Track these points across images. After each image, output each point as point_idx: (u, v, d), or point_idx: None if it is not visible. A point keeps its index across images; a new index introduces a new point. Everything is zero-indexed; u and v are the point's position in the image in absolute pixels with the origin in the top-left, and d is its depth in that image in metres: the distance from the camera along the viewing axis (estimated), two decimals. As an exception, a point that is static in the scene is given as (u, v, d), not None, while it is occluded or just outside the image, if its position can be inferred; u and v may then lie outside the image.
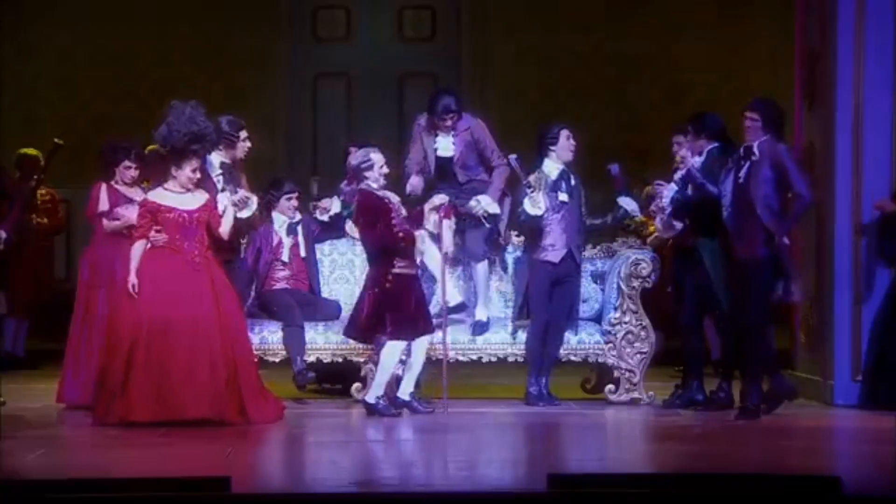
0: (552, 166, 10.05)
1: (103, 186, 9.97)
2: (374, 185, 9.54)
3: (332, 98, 14.91)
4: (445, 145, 10.10)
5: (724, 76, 14.35)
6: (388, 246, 9.47)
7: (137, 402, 8.93)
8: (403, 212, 9.55)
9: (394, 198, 9.59)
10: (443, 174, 10.07)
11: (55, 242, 12.68)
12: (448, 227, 9.69)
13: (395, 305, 9.48)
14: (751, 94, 13.79)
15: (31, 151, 11.20)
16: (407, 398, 9.61)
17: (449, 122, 10.03)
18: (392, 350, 9.53)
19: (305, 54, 14.91)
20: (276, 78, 14.79)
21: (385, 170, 9.58)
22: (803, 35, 10.66)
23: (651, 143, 10.42)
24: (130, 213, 9.73)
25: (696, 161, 9.68)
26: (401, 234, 9.45)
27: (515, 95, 14.72)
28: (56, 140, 10.58)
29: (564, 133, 10.11)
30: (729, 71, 14.39)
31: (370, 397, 9.57)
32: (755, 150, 9.36)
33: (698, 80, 14.44)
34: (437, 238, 9.74)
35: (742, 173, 9.37)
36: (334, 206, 10.51)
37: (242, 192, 9.63)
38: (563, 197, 9.99)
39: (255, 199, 9.78)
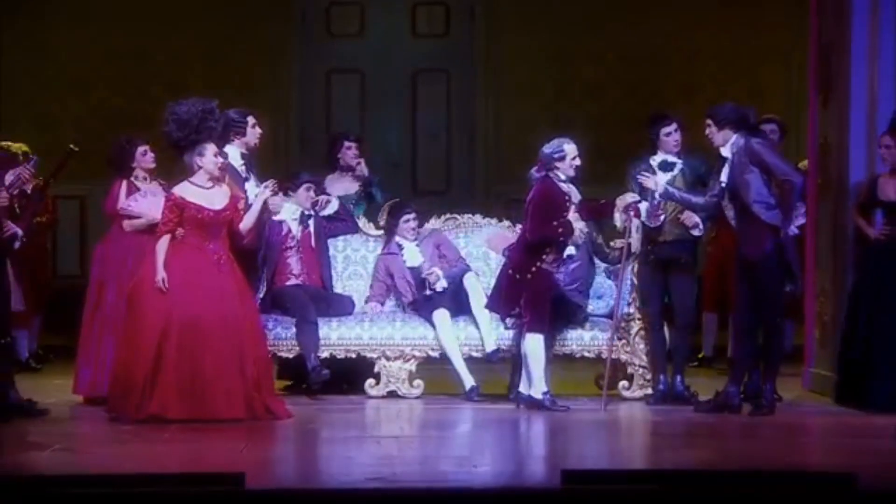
0: None
1: (123, 183, 9.99)
2: (562, 177, 9.53)
3: (346, 94, 14.91)
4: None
5: (737, 72, 14.33)
6: (545, 239, 9.48)
7: (172, 399, 8.91)
8: (574, 209, 9.51)
9: (575, 195, 9.54)
10: None
11: (56, 239, 12.67)
12: (636, 226, 9.71)
13: (534, 299, 9.51)
14: (764, 90, 13.84)
15: (22, 146, 11.21)
16: (539, 396, 9.56)
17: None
18: (534, 343, 9.53)
19: (319, 50, 14.91)
20: (290, 74, 14.80)
21: (577, 161, 9.53)
22: (817, 31, 10.64)
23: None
24: (145, 208, 9.74)
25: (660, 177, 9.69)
26: (560, 231, 9.45)
27: (529, 92, 14.71)
28: (71, 146, 10.63)
29: None
30: (742, 67, 14.37)
31: (535, 393, 9.55)
32: (726, 153, 9.36)
33: (711, 77, 14.43)
34: (624, 232, 9.79)
35: (725, 178, 9.37)
36: (331, 206, 10.54)
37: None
38: (569, 251, 9.89)
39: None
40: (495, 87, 14.85)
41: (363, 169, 10.79)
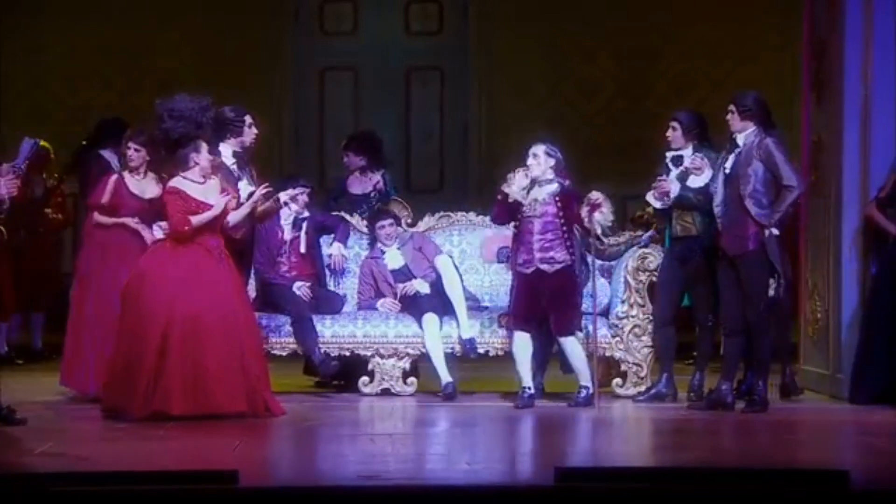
0: None
1: (113, 178, 9.90)
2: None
3: (339, 92, 14.91)
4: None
5: (730, 69, 14.33)
6: (498, 214, 9.83)
7: (176, 396, 8.89)
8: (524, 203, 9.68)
9: (519, 197, 9.65)
10: None
11: (62, 236, 12.71)
12: (596, 220, 9.66)
13: (512, 299, 9.76)
14: (758, 87, 13.82)
15: (44, 144, 11.20)
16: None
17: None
18: (514, 340, 9.71)
19: (312, 48, 14.91)
20: (283, 72, 14.80)
21: (529, 160, 9.67)
22: (811, 27, 10.65)
23: (658, 137, 10.38)
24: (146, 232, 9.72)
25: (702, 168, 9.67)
26: (499, 196, 9.69)
27: (522, 90, 14.71)
28: (84, 143, 10.64)
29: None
30: (736, 64, 14.37)
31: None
32: (740, 141, 9.40)
33: (705, 74, 14.43)
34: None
35: (729, 165, 9.41)
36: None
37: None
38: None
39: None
40: (489, 85, 14.84)
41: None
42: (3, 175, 8.71)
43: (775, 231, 9.38)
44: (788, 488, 6.83)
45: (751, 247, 9.34)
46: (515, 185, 9.66)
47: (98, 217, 9.87)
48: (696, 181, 9.62)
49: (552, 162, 9.73)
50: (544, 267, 9.65)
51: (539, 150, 9.74)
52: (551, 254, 9.65)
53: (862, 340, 9.83)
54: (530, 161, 9.71)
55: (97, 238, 9.90)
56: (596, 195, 9.68)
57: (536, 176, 9.70)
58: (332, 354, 10.13)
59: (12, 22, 14.28)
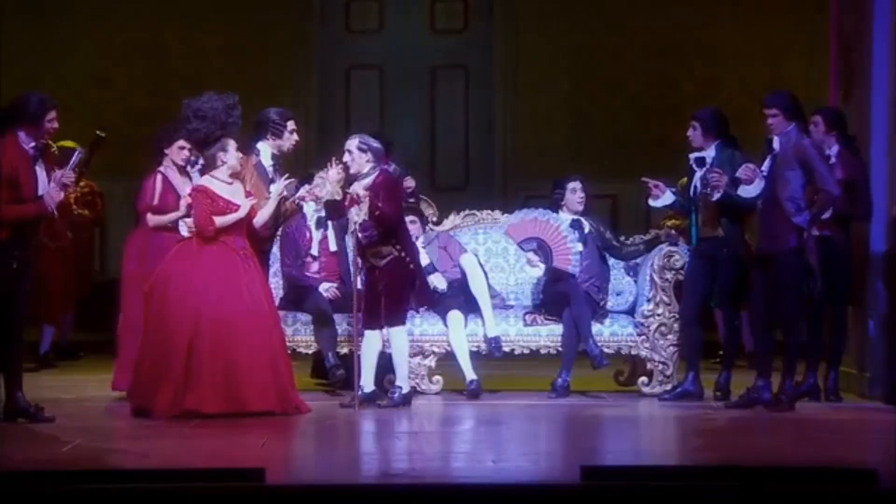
0: (564, 217, 10.15)
1: (158, 177, 9.81)
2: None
3: (365, 90, 14.92)
4: None
5: (757, 66, 14.29)
6: None
7: (208, 394, 8.90)
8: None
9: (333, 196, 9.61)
10: None
11: (93, 234, 12.72)
12: (351, 213, 9.53)
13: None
14: (785, 84, 13.81)
15: (69, 143, 11.20)
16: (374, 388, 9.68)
17: None
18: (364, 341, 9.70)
19: (338, 47, 14.92)
20: (309, 70, 14.81)
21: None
22: (838, 25, 10.62)
23: (683, 135, 10.36)
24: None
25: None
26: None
27: (547, 87, 14.69)
28: (98, 133, 10.61)
29: (569, 187, 10.24)
30: (762, 61, 14.33)
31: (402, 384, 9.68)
32: (776, 143, 9.36)
33: (731, 71, 14.40)
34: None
35: (766, 167, 9.38)
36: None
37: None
38: (577, 247, 10.02)
39: None
40: (513, 83, 14.83)
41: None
42: (56, 182, 8.69)
43: (815, 232, 9.37)
44: (816, 487, 6.81)
45: (786, 246, 9.30)
46: (329, 187, 9.51)
47: (153, 219, 9.71)
48: (747, 191, 9.45)
49: (367, 156, 9.56)
50: (375, 262, 9.57)
51: (351, 145, 9.58)
52: (378, 248, 9.57)
53: None
54: (346, 157, 9.58)
55: (157, 238, 9.76)
56: (358, 191, 9.50)
57: (354, 172, 9.56)
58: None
59: (40, 20, 14.33)
